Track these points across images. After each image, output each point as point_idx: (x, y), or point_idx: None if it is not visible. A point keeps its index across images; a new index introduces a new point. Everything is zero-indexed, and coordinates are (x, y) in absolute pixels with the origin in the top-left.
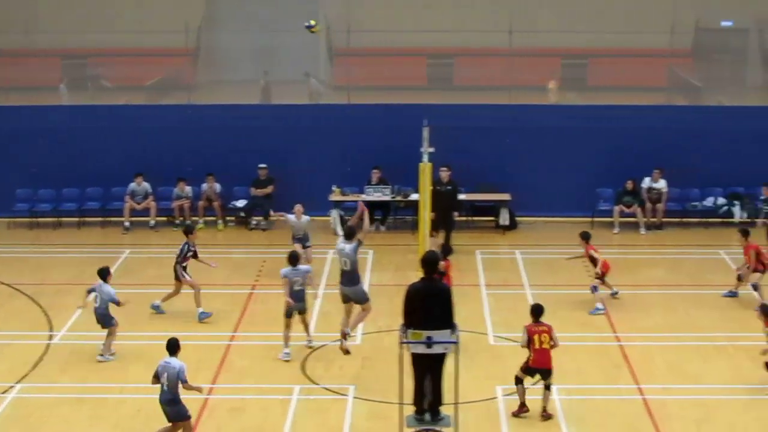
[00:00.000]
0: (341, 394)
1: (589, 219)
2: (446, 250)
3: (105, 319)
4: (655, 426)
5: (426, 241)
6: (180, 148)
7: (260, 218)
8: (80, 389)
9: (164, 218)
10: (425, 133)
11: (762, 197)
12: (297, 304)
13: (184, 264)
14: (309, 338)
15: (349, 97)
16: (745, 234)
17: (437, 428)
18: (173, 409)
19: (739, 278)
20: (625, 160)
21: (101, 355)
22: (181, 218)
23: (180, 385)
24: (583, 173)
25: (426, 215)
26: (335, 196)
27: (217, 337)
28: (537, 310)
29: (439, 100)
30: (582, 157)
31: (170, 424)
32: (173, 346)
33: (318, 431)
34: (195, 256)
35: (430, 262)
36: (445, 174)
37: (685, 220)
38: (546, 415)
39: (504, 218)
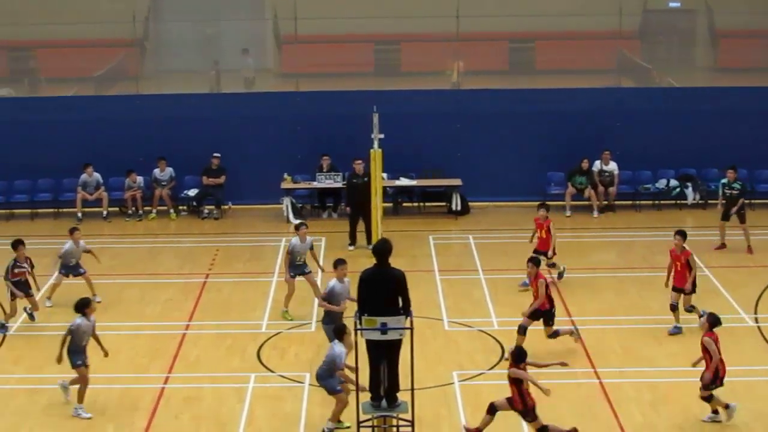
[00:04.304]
0: (297, 382)
1: (541, 203)
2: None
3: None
4: (612, 409)
5: (378, 227)
6: (130, 139)
7: (212, 207)
8: (35, 380)
9: (116, 209)
10: (375, 119)
11: (724, 181)
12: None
13: (14, 279)
14: None
15: (298, 85)
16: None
17: (394, 415)
18: (323, 383)
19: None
20: (575, 143)
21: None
22: (134, 208)
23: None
24: (533, 157)
25: (378, 202)
26: (286, 184)
27: (171, 326)
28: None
29: (387, 86)
30: (531, 141)
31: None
32: (338, 332)
33: (273, 419)
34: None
35: (381, 250)
36: (359, 166)
37: (637, 202)
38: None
39: (456, 203)
